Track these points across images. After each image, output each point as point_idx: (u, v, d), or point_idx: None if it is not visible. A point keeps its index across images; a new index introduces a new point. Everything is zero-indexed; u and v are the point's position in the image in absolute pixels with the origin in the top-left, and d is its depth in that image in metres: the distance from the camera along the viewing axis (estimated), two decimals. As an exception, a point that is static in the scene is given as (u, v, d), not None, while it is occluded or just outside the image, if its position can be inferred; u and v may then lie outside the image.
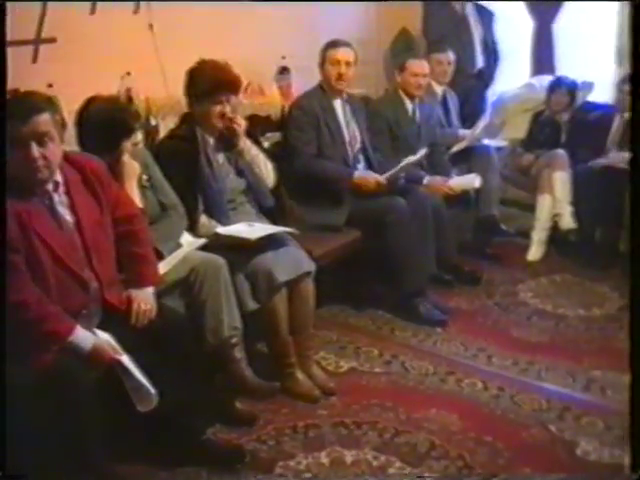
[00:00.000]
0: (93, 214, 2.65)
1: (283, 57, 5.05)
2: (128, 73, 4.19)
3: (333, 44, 4.24)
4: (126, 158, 3.08)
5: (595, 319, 4.18)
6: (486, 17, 5.78)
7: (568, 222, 4.88)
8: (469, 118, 5.21)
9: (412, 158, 4.27)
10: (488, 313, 4.27)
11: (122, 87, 4.14)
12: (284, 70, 5.06)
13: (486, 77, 5.83)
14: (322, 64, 4.27)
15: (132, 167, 3.10)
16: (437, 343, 3.91)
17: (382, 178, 4.16)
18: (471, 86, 5.60)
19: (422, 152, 4.39)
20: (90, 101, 3.13)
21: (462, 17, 5.66)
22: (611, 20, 5.69)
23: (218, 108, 3.43)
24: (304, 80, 4.37)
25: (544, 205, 4.96)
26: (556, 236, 5.01)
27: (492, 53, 5.79)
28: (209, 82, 3.42)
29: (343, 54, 4.21)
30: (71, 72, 3.89)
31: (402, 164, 4.22)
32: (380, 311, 4.24)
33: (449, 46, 5.13)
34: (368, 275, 4.23)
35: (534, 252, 4.98)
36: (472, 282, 4.58)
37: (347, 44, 4.25)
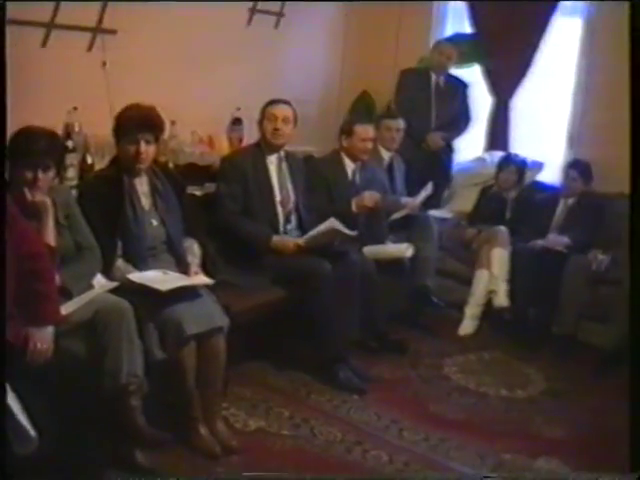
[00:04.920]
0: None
1: (238, 108, 5.04)
2: (75, 108, 4.18)
3: (272, 102, 4.26)
4: (42, 195, 3.04)
5: (516, 400, 4.12)
6: (460, 88, 5.81)
7: (502, 300, 4.85)
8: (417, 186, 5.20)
9: (337, 223, 4.17)
10: (409, 384, 4.21)
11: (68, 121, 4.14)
12: (237, 121, 5.05)
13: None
14: (261, 121, 4.27)
15: (47, 205, 3.06)
16: (351, 410, 3.84)
17: (302, 241, 4.15)
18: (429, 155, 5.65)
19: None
20: (19, 132, 3.08)
21: (436, 87, 5.72)
22: (566, 104, 5.78)
23: (133, 148, 3.41)
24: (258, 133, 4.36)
25: (480, 280, 4.94)
26: (490, 312, 4.97)
27: (463, 123, 5.83)
28: (127, 122, 3.44)
29: (280, 110, 4.22)
30: (15, 102, 3.88)
31: (323, 227, 4.15)
32: (300, 372, 4.16)
33: (404, 114, 5.18)
34: (291, 335, 4.16)
35: (466, 327, 4.95)
36: (398, 351, 4.51)
37: (286, 102, 4.27)
